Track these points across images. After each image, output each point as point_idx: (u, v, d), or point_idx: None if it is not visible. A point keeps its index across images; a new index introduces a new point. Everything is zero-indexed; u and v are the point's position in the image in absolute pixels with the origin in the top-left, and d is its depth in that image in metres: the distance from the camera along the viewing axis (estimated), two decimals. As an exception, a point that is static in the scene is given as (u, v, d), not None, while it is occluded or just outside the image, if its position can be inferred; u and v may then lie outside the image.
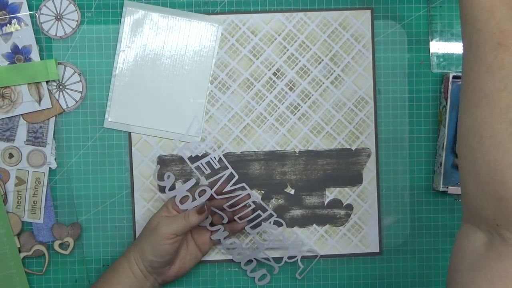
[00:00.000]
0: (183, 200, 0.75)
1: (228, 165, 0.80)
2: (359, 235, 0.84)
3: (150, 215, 0.81)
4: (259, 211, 0.79)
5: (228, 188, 0.77)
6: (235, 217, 0.78)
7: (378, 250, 0.84)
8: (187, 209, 0.75)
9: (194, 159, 0.80)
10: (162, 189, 0.82)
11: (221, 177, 0.77)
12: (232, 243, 0.80)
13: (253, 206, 0.78)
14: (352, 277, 0.84)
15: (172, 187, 0.77)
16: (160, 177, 0.80)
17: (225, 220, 0.77)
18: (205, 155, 0.81)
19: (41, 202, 0.81)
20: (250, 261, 0.81)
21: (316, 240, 0.83)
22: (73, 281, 0.82)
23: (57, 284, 0.82)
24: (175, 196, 0.76)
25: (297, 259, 0.81)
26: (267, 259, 0.81)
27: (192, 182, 0.75)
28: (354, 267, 0.84)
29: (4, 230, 0.80)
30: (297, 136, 0.83)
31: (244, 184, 0.78)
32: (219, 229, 0.78)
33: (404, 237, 0.84)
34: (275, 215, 0.81)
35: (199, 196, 0.75)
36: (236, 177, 0.78)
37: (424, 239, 0.84)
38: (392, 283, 0.84)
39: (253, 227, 0.80)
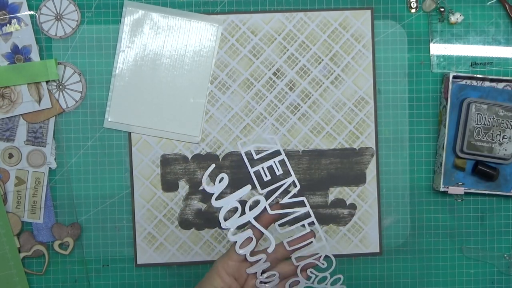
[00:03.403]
0: (244, 244, 0.64)
1: (292, 171, 0.67)
2: (359, 235, 0.84)
3: (150, 215, 0.81)
4: (313, 239, 0.66)
5: (286, 200, 0.66)
6: (285, 242, 0.66)
7: (378, 250, 0.84)
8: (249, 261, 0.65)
9: (196, 157, 0.80)
10: (168, 188, 0.82)
11: (300, 236, 0.65)
12: (270, 276, 0.66)
13: (311, 240, 0.66)
14: (352, 277, 0.84)
15: (220, 195, 0.64)
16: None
17: (271, 248, 0.65)
18: (207, 154, 0.81)
19: (41, 202, 0.81)
20: None
21: (318, 248, 0.83)
22: (73, 281, 0.82)
23: (57, 284, 0.82)
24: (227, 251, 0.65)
25: None
26: None
27: (246, 189, 0.64)
28: (354, 267, 0.84)
29: (4, 230, 0.80)
30: (297, 136, 0.83)
31: (304, 199, 0.66)
32: (260, 259, 0.65)
33: (404, 237, 0.84)
34: (328, 248, 0.68)
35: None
36: (298, 187, 0.66)
37: (424, 239, 0.84)
38: (392, 283, 0.84)
39: (299, 259, 0.67)
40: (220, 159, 0.83)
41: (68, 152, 0.82)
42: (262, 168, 0.66)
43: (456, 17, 0.83)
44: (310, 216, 0.66)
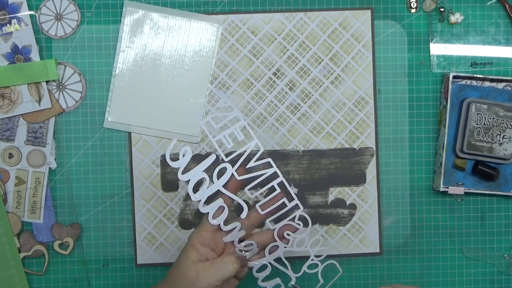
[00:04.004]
0: (216, 214, 0.65)
1: (254, 136, 0.67)
2: (359, 235, 0.84)
3: (150, 215, 0.81)
4: (284, 199, 0.67)
5: (251, 164, 0.65)
6: (257, 206, 0.67)
7: (378, 250, 0.84)
8: (224, 235, 0.66)
9: (196, 157, 0.80)
10: (168, 188, 0.82)
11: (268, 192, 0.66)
12: (248, 244, 0.67)
13: (283, 201, 0.66)
14: (352, 277, 0.84)
15: (187, 169, 0.65)
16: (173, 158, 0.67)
17: (244, 214, 0.66)
18: (207, 154, 0.81)
19: (41, 202, 0.81)
20: (264, 266, 0.69)
21: (316, 240, 0.83)
22: (73, 281, 0.82)
23: (57, 284, 0.82)
24: (200, 226, 0.65)
25: (318, 271, 0.70)
26: (285, 266, 0.69)
27: (211, 159, 0.64)
28: (354, 267, 0.84)
29: (4, 230, 0.80)
30: (297, 136, 0.83)
31: (270, 160, 0.66)
32: (235, 227, 0.66)
33: (404, 237, 0.84)
34: (302, 208, 0.68)
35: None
36: (262, 149, 0.66)
37: (424, 239, 0.84)
38: (392, 283, 0.84)
39: (275, 220, 0.67)
40: (220, 159, 0.83)
41: (68, 152, 0.82)
42: (224, 136, 0.66)
43: (456, 17, 0.83)
44: (278, 176, 0.66)
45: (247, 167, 0.66)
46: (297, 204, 0.68)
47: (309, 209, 0.83)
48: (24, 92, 0.80)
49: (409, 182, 0.84)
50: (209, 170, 0.65)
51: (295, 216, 0.67)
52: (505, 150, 0.82)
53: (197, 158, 0.82)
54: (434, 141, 0.84)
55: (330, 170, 0.83)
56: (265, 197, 0.67)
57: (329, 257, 0.83)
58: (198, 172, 0.64)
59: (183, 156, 0.64)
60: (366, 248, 0.84)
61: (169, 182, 0.82)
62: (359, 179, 0.83)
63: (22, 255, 0.81)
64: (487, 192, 0.83)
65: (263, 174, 0.66)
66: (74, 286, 0.82)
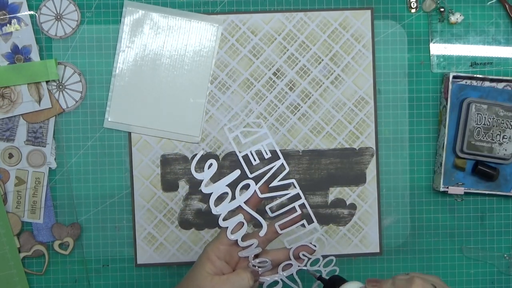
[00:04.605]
0: (235, 229, 0.64)
1: (280, 154, 0.65)
2: (359, 235, 0.84)
3: (150, 215, 0.81)
4: (304, 221, 0.66)
5: (275, 183, 0.64)
6: (277, 225, 0.66)
7: (378, 250, 0.84)
8: (243, 252, 0.65)
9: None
10: (168, 188, 0.82)
11: (287, 212, 0.65)
12: (263, 261, 0.66)
13: (301, 222, 0.65)
14: (352, 277, 0.84)
15: (210, 180, 0.63)
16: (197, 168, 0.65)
17: (263, 232, 0.65)
18: (207, 154, 0.81)
19: (41, 202, 0.81)
20: (275, 282, 0.68)
21: (316, 240, 0.83)
22: (73, 281, 0.82)
23: (57, 284, 0.82)
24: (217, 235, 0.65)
25: (320, 265, 0.69)
26: (296, 283, 0.68)
27: (236, 174, 0.63)
28: (354, 267, 0.84)
29: (4, 230, 0.80)
30: (297, 136, 0.83)
31: (294, 181, 0.65)
32: (252, 244, 0.65)
33: (404, 237, 0.84)
34: (320, 231, 0.67)
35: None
36: (287, 169, 0.64)
37: (424, 239, 0.84)
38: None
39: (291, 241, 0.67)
40: (220, 159, 0.83)
41: (68, 152, 0.82)
42: (251, 152, 0.64)
43: (456, 17, 0.83)
44: (300, 198, 0.65)
45: (270, 185, 0.65)
46: (315, 227, 0.67)
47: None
48: (24, 92, 0.80)
49: (409, 182, 0.84)
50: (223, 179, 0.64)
51: (312, 238, 0.66)
52: (505, 150, 0.82)
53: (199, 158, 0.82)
54: (434, 141, 0.84)
55: (330, 170, 0.83)
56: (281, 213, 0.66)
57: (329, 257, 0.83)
58: (221, 186, 0.63)
59: (208, 168, 0.63)
60: (366, 248, 0.84)
61: (169, 182, 0.82)
62: (359, 179, 0.83)
63: (22, 255, 0.81)
64: (487, 192, 0.83)
65: (286, 194, 0.65)
66: (74, 286, 0.82)
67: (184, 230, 0.83)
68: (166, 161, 0.82)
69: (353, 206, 0.83)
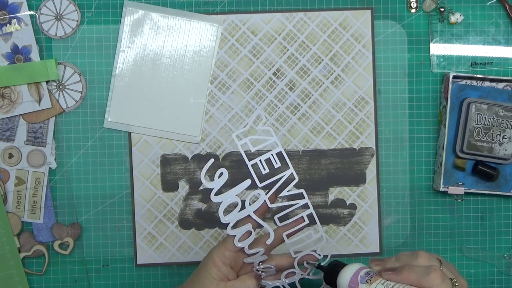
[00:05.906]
0: (243, 238, 0.64)
1: (290, 164, 0.66)
2: (359, 235, 0.84)
3: (150, 215, 0.81)
4: (310, 231, 0.68)
5: (285, 193, 0.65)
6: (284, 235, 0.66)
7: (378, 250, 0.84)
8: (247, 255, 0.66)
9: (196, 157, 0.80)
10: (168, 188, 0.82)
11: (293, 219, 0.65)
12: (267, 268, 0.67)
13: (305, 223, 0.66)
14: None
15: (219, 191, 0.63)
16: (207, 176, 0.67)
17: (270, 240, 0.65)
18: (207, 154, 0.81)
19: (41, 202, 0.81)
20: (276, 287, 0.69)
21: (316, 240, 0.83)
22: (73, 281, 0.82)
23: (57, 284, 0.82)
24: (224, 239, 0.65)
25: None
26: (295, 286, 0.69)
27: (246, 183, 0.63)
28: (354, 267, 0.84)
29: (4, 230, 0.80)
30: (297, 136, 0.83)
31: (303, 191, 0.65)
32: (258, 252, 0.65)
33: (404, 237, 0.84)
34: (325, 240, 0.68)
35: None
36: (297, 179, 0.65)
37: (424, 239, 0.84)
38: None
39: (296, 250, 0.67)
40: (220, 159, 0.83)
41: (68, 152, 0.82)
42: (260, 161, 0.65)
43: (456, 17, 0.83)
44: (309, 207, 0.66)
45: (280, 195, 0.65)
46: (321, 237, 0.67)
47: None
48: (24, 92, 0.80)
49: (409, 182, 0.84)
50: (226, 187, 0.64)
51: (317, 246, 0.67)
52: (505, 150, 0.82)
53: (197, 158, 0.82)
54: (434, 141, 0.84)
55: (330, 170, 0.83)
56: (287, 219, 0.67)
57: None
58: (231, 196, 0.63)
59: (219, 177, 0.62)
60: (366, 248, 0.84)
61: (169, 182, 0.82)
62: (359, 179, 0.83)
63: (22, 255, 0.81)
64: (487, 192, 0.83)
65: (294, 204, 0.65)
66: (74, 286, 0.82)
67: (184, 230, 0.83)
68: (166, 161, 0.82)
69: (353, 206, 0.83)
